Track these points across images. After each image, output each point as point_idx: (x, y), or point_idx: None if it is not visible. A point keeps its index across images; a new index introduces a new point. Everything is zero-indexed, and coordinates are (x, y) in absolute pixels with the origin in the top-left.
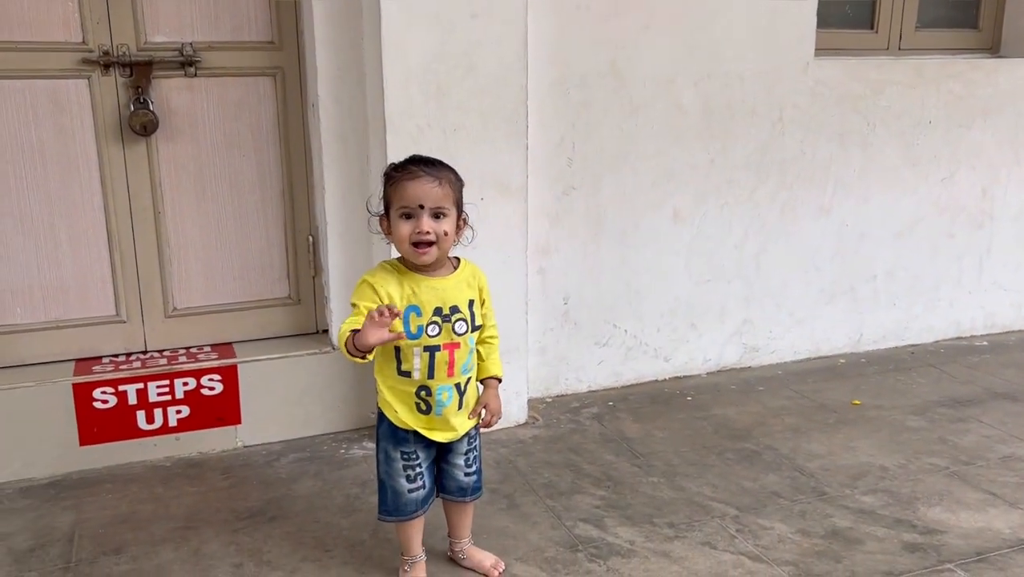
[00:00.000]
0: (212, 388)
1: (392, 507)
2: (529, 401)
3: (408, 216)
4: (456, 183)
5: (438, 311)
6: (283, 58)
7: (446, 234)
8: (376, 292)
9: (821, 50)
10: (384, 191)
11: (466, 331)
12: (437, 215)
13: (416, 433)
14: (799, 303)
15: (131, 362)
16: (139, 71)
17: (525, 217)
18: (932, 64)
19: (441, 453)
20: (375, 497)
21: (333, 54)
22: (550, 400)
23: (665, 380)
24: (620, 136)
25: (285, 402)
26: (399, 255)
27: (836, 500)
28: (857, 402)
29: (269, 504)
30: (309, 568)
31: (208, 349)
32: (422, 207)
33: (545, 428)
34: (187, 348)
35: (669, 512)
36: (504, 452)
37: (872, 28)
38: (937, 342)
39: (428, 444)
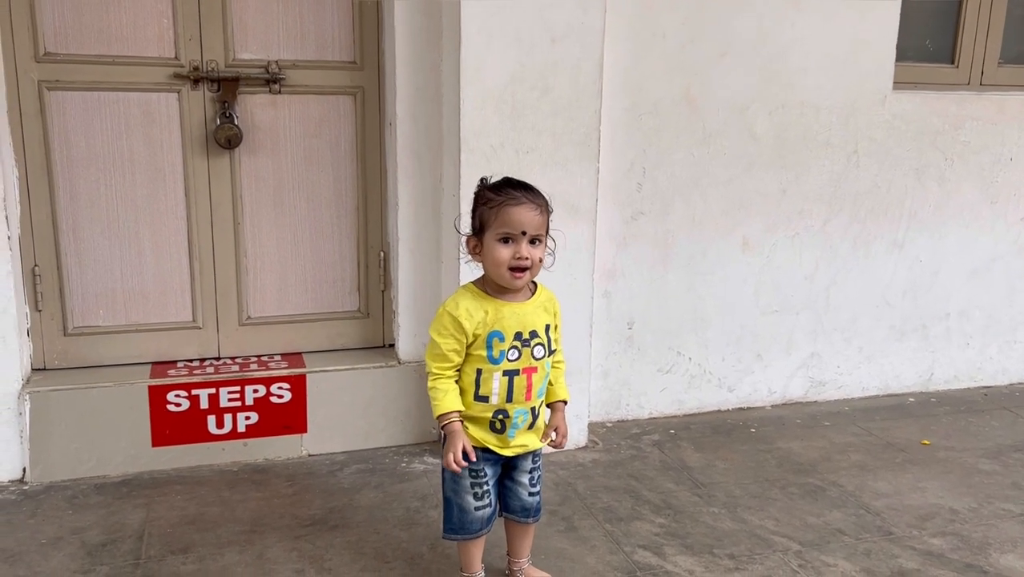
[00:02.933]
0: (281, 396)
1: (458, 525)
2: (589, 425)
3: (506, 240)
4: (548, 210)
5: (518, 336)
6: (364, 78)
7: (540, 261)
8: (461, 327)
9: (900, 83)
10: (479, 212)
11: (544, 355)
12: (534, 241)
13: (485, 449)
14: (868, 338)
15: (204, 367)
16: (226, 87)
17: (593, 240)
18: (1014, 100)
19: (506, 471)
20: (435, 511)
21: (412, 74)
22: (610, 425)
23: (728, 411)
24: (691, 163)
25: (350, 413)
26: (478, 277)
27: (903, 540)
28: (927, 442)
29: (331, 513)
30: None
31: (278, 358)
32: (524, 233)
33: (605, 452)
34: (258, 356)
35: (730, 543)
36: (564, 474)
37: (953, 63)
38: (1012, 385)
39: (495, 461)
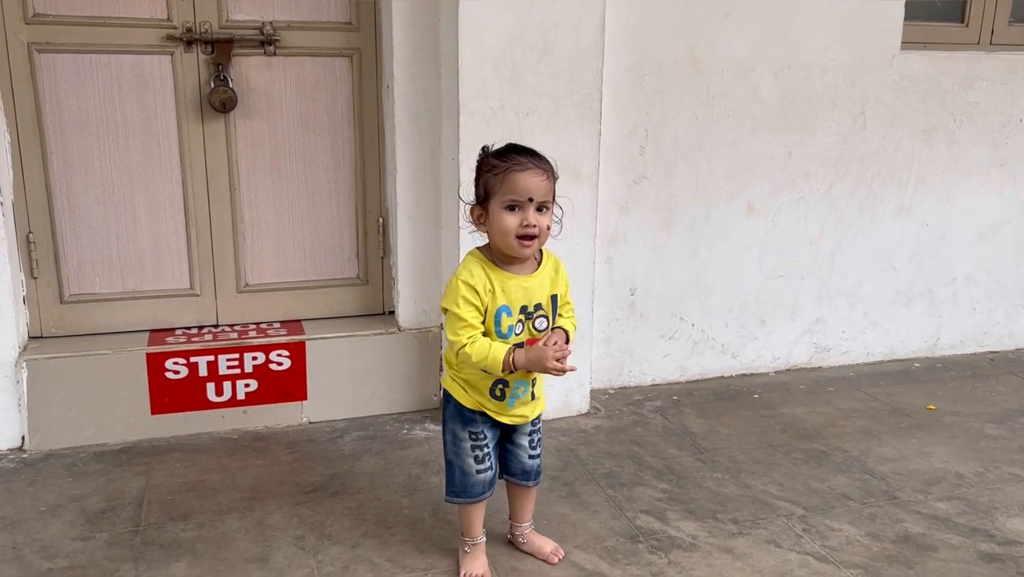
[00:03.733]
0: (280, 363)
1: (460, 488)
2: (592, 391)
3: (512, 208)
4: (555, 176)
5: (523, 309)
6: (360, 39)
7: (548, 228)
8: (478, 294)
9: (908, 43)
10: (484, 179)
11: (546, 327)
12: (541, 208)
13: (483, 414)
14: (874, 304)
15: (203, 335)
16: (220, 48)
17: (595, 205)
18: None
19: (506, 434)
20: (436, 477)
21: (410, 35)
22: (612, 391)
23: (732, 377)
24: (695, 125)
25: (350, 380)
26: (483, 244)
27: (908, 505)
28: (932, 407)
29: (332, 480)
30: (369, 544)
31: (277, 325)
32: (531, 200)
33: (607, 419)
34: (257, 324)
35: (733, 508)
36: (565, 440)
37: (962, 21)
38: (1019, 350)
39: (494, 424)
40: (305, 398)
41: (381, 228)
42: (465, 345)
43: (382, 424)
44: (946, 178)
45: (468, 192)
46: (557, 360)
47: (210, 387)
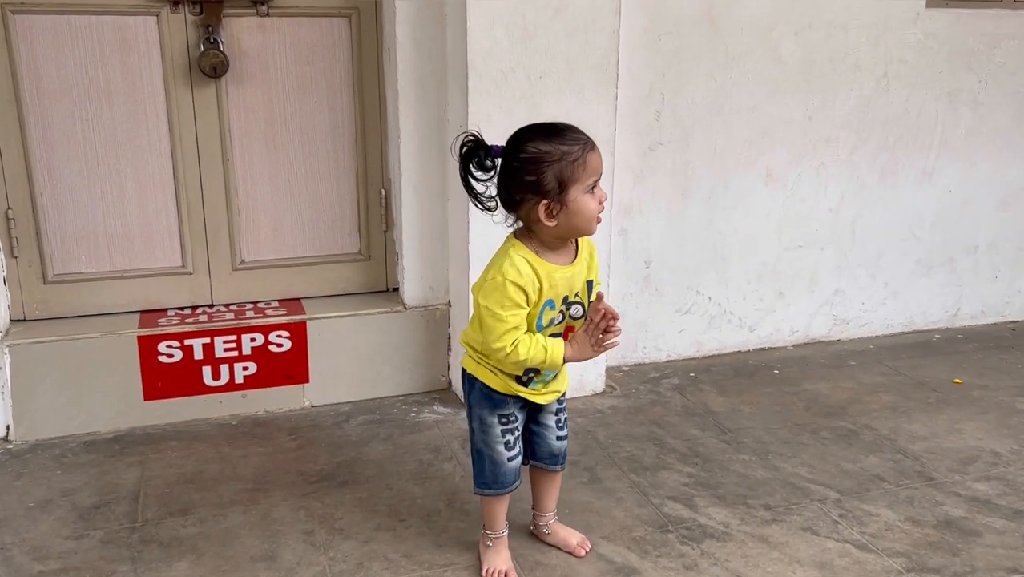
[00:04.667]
0: (280, 345)
1: (491, 479)
2: (606, 369)
3: (592, 189)
4: None
5: (565, 300)
6: None
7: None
8: (527, 298)
9: (932, 0)
10: (557, 170)
11: (582, 314)
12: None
13: (514, 396)
14: (895, 274)
15: (197, 315)
16: (209, 8)
17: (611, 173)
18: None
19: (531, 416)
20: (449, 464)
21: None
22: (627, 369)
23: (749, 351)
24: (713, 88)
25: (354, 362)
26: (518, 235)
27: (946, 486)
28: (959, 381)
29: (339, 468)
30: (384, 538)
31: (276, 304)
32: (599, 176)
33: (624, 398)
34: (254, 303)
35: (764, 493)
36: (582, 422)
37: None
38: None
39: (524, 405)
40: (307, 381)
41: (384, 200)
42: (509, 352)
43: (389, 407)
44: (969, 142)
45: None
46: (604, 335)
47: (206, 371)
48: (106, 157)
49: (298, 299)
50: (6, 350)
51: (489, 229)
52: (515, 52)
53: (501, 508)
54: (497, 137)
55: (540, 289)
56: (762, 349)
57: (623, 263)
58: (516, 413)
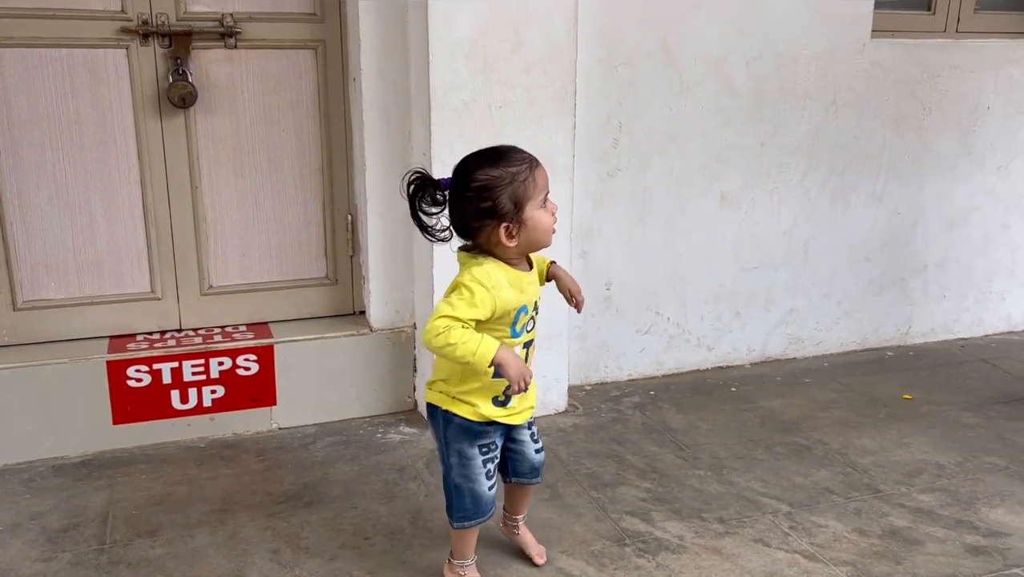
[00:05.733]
0: (248, 368)
1: (472, 511)
2: (568, 388)
3: (543, 203)
4: None
5: (535, 307)
6: (325, 31)
7: None
8: (492, 307)
9: (878, 31)
10: (511, 191)
11: (533, 327)
12: None
13: (490, 422)
14: (847, 293)
15: (165, 340)
16: (178, 41)
17: (571, 199)
18: (993, 48)
19: (506, 435)
20: (413, 483)
21: (377, 27)
22: (589, 388)
23: (708, 370)
24: (668, 116)
25: (321, 384)
26: (476, 251)
27: (892, 498)
28: (908, 397)
29: (305, 488)
30: (348, 555)
31: (244, 328)
32: (548, 190)
33: (586, 416)
34: (222, 327)
35: (718, 507)
36: (545, 440)
37: (930, 10)
38: (987, 336)
39: (501, 429)
40: (274, 403)
41: (350, 226)
42: (441, 332)
43: (355, 428)
44: (916, 166)
45: (432, 220)
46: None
47: (175, 394)
48: (76, 185)
49: (265, 323)
50: None
51: (453, 254)
52: (476, 83)
53: (474, 536)
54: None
55: (507, 298)
56: (720, 367)
57: (584, 285)
58: (496, 440)
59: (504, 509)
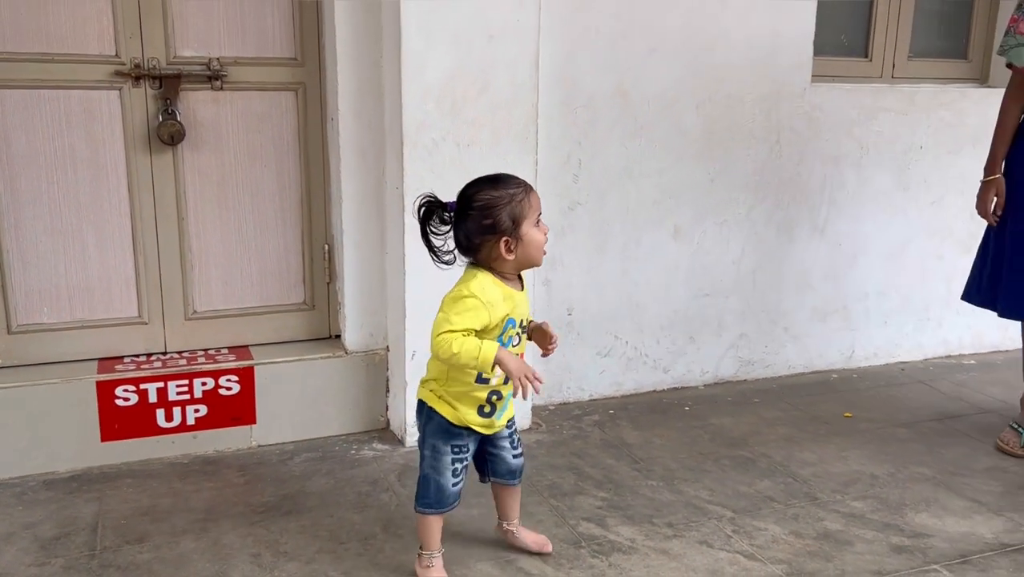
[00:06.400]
0: (229, 388)
1: (434, 500)
2: (533, 408)
3: (537, 222)
4: None
5: (521, 323)
6: (304, 74)
7: None
8: (484, 317)
9: (817, 76)
10: (509, 211)
11: (519, 343)
12: None
13: (467, 427)
14: (793, 319)
15: (152, 362)
16: (168, 84)
17: None
18: (924, 92)
19: (487, 439)
20: (385, 495)
21: (354, 71)
22: (553, 408)
23: (664, 391)
24: (624, 154)
25: (299, 404)
26: (478, 266)
27: (828, 505)
28: (849, 415)
29: (284, 500)
30: (325, 559)
31: (225, 351)
32: (541, 211)
33: (548, 433)
34: (205, 350)
35: (668, 513)
36: None
37: (866, 56)
38: (926, 360)
39: (477, 437)
40: (254, 422)
41: (326, 255)
42: (442, 346)
43: (331, 445)
44: (855, 201)
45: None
46: (529, 380)
47: (160, 413)
48: (70, 217)
49: (247, 346)
50: None
51: (424, 281)
52: (445, 123)
53: (438, 527)
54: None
55: (499, 311)
56: (676, 388)
57: (548, 311)
58: (469, 445)
59: (498, 517)
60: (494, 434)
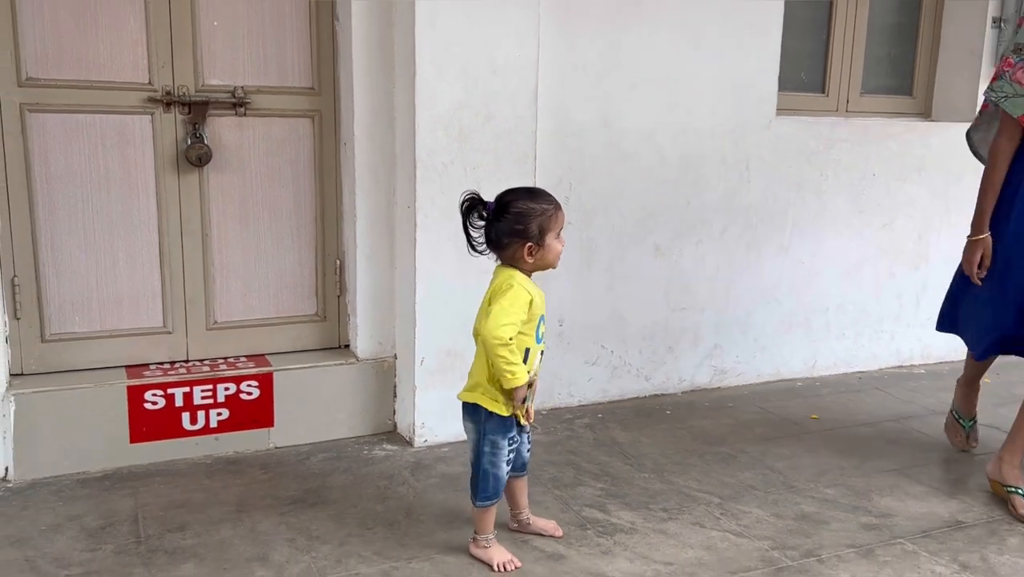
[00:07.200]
0: (250, 393)
1: (492, 492)
2: None
3: (558, 236)
4: None
5: (545, 317)
6: (321, 102)
7: None
8: (531, 304)
9: (781, 110)
10: (539, 222)
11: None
12: None
13: (513, 419)
14: (762, 331)
15: (176, 369)
16: (196, 110)
17: None
18: (875, 125)
19: None
20: (403, 488)
21: (369, 100)
22: (545, 412)
23: (646, 397)
24: (610, 179)
25: (313, 408)
26: (516, 268)
27: (803, 492)
28: (815, 416)
29: (308, 493)
30: (355, 542)
31: (244, 359)
32: (563, 227)
33: (544, 435)
34: (224, 358)
35: (662, 500)
36: None
37: (824, 92)
38: (881, 369)
39: (520, 428)
40: (272, 425)
41: (338, 269)
42: (505, 341)
43: (344, 446)
44: (816, 223)
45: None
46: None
47: (185, 416)
48: (102, 233)
49: (263, 354)
50: (12, 399)
51: (432, 292)
52: (453, 149)
53: (494, 514)
54: (438, 213)
55: (536, 304)
56: (656, 395)
57: None
58: (517, 436)
59: (510, 508)
60: (519, 428)
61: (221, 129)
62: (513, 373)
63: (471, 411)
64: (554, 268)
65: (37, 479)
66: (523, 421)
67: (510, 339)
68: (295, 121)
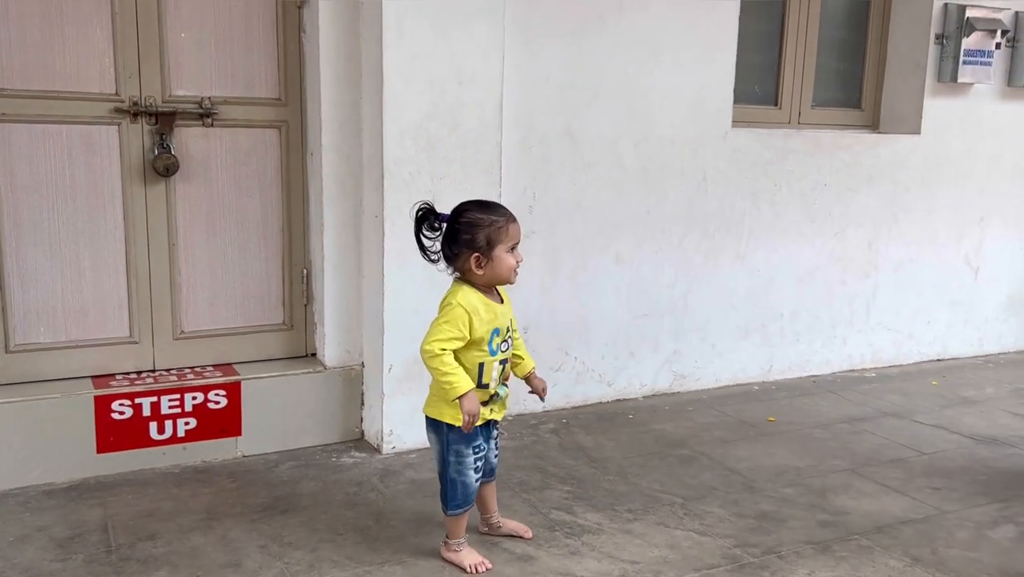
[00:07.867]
0: (218, 402)
1: (462, 500)
2: None
3: (512, 249)
4: None
5: (507, 330)
6: (288, 113)
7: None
8: (471, 325)
9: (737, 122)
10: (486, 233)
11: (510, 346)
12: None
13: (482, 425)
14: (720, 337)
15: (143, 378)
16: (163, 120)
17: None
18: (826, 136)
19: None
20: (372, 494)
21: (336, 110)
22: (511, 418)
23: (608, 402)
24: (573, 188)
25: (280, 416)
26: (461, 280)
27: (762, 491)
28: (772, 419)
29: (278, 500)
30: (327, 547)
31: (211, 369)
32: (518, 242)
33: (511, 440)
34: (191, 367)
35: (627, 501)
36: None
37: (776, 105)
38: (834, 373)
39: (487, 435)
40: (240, 434)
41: (305, 278)
42: (436, 353)
43: (312, 454)
44: (771, 232)
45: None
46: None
47: (152, 426)
48: (68, 243)
49: (230, 364)
50: None
51: (400, 301)
52: (421, 159)
53: (465, 520)
54: (406, 222)
55: (487, 319)
56: (618, 400)
57: None
58: (483, 443)
59: (480, 513)
60: (488, 435)
61: (188, 139)
62: (451, 384)
63: (433, 424)
64: (511, 283)
65: (3, 490)
66: (466, 430)
67: (441, 350)
68: (262, 132)
